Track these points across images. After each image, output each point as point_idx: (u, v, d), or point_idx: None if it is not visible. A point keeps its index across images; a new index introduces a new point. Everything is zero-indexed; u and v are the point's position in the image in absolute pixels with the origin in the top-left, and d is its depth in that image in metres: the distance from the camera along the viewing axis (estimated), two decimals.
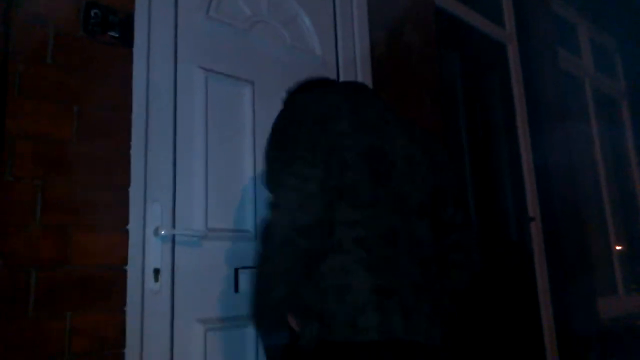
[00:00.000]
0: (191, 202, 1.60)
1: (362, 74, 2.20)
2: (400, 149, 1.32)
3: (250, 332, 1.66)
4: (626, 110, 5.00)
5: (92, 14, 1.44)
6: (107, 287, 1.37)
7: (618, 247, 4.40)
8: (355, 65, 2.21)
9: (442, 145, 1.51)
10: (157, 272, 1.47)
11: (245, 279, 1.67)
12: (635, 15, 4.33)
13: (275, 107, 1.86)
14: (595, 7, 4.35)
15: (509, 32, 3.53)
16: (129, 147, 1.46)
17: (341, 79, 2.13)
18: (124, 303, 1.39)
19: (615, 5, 4.25)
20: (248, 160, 1.77)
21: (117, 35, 1.49)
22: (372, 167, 1.25)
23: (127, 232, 1.42)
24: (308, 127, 1.25)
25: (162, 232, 1.48)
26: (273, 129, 1.33)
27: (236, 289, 1.65)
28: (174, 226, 1.54)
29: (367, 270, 1.18)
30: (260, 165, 1.78)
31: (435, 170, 1.39)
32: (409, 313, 1.20)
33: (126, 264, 1.41)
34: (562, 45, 4.04)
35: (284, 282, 1.18)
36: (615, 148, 4.78)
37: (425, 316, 1.22)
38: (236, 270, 1.66)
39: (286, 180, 1.19)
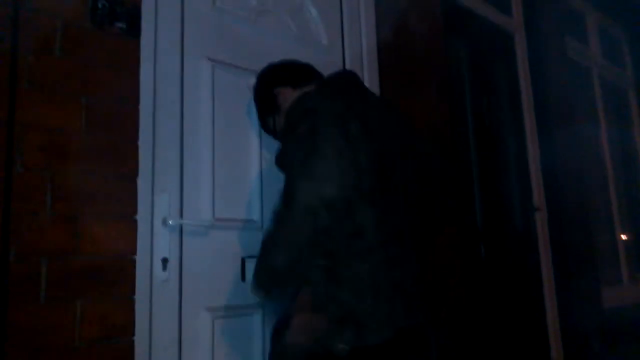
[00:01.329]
0: (198, 192, 1.62)
1: (369, 64, 2.20)
2: (400, 148, 1.40)
3: (257, 319, 1.69)
4: (633, 99, 4.96)
5: (100, 5, 1.45)
6: (116, 276, 1.39)
7: (623, 236, 4.40)
8: (361, 55, 2.21)
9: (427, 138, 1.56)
10: (165, 261, 1.49)
11: (251, 268, 1.68)
12: None
13: None
14: None
15: (516, 21, 3.50)
16: (136, 138, 1.48)
17: (347, 68, 2.13)
18: (132, 292, 1.41)
19: None
20: (255, 151, 1.78)
21: (124, 27, 1.49)
22: (381, 170, 1.31)
23: (135, 222, 1.44)
24: (326, 123, 1.26)
25: (170, 222, 1.50)
26: (292, 119, 1.35)
27: (243, 278, 1.67)
28: (181, 216, 1.56)
29: (388, 271, 1.26)
30: (267, 155, 1.79)
31: (429, 163, 1.48)
32: (410, 302, 1.29)
33: (135, 253, 1.43)
34: (570, 34, 4.01)
35: (292, 251, 1.18)
36: (622, 138, 4.76)
37: (421, 299, 1.32)
38: (243, 260, 1.68)
39: (319, 152, 1.20)
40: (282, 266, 1.20)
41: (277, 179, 1.81)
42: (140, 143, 1.48)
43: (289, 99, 1.49)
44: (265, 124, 1.63)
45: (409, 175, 1.40)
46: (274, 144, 1.82)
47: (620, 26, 4.87)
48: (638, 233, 4.65)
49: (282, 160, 1.36)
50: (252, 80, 1.67)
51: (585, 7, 4.44)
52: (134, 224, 1.44)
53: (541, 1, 3.59)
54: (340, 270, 1.22)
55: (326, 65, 2.04)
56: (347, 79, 1.51)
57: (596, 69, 4.47)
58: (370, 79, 2.17)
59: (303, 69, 1.60)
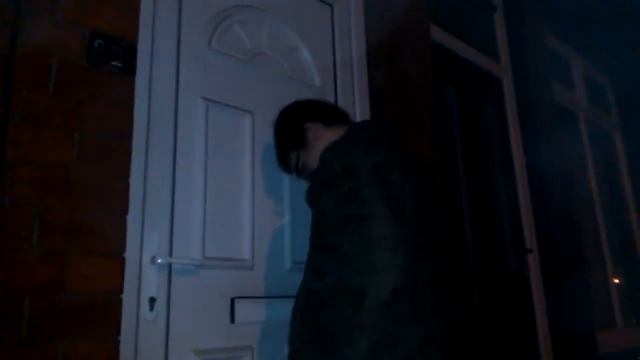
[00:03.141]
0: (189, 230, 1.60)
1: (361, 107, 2.23)
2: (429, 195, 1.38)
3: None
4: (619, 141, 5.07)
5: (96, 44, 1.47)
6: (102, 315, 1.35)
7: (616, 280, 4.38)
8: (353, 95, 2.24)
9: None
10: (152, 300, 1.46)
11: (241, 309, 1.65)
12: (627, 52, 4.43)
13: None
14: (589, 43, 4.46)
15: (504, 66, 3.60)
16: (128, 175, 1.47)
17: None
18: (118, 332, 1.37)
19: (608, 42, 4.35)
20: (247, 190, 1.78)
21: (120, 65, 1.51)
22: (419, 217, 1.29)
23: (123, 259, 1.41)
24: (366, 173, 1.26)
25: (159, 261, 1.47)
26: (329, 172, 1.32)
27: (232, 320, 1.63)
28: (171, 254, 1.53)
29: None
30: (259, 194, 1.78)
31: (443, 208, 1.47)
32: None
33: (122, 292, 1.39)
34: (557, 79, 4.12)
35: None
36: (611, 180, 4.82)
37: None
38: (232, 300, 1.64)
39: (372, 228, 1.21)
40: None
41: (269, 219, 1.81)
42: (132, 180, 1.47)
43: (319, 137, 1.49)
44: (286, 160, 1.59)
45: (443, 224, 1.39)
46: (268, 184, 1.83)
47: (604, 72, 5.03)
48: (630, 277, 4.65)
49: (312, 202, 1.34)
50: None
51: (571, 54, 4.59)
52: (122, 262, 1.41)
53: (528, 48, 3.70)
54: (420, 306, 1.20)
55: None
56: (379, 126, 1.52)
57: (582, 113, 4.58)
58: (361, 119, 2.20)
59: (333, 108, 1.62)
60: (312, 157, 1.47)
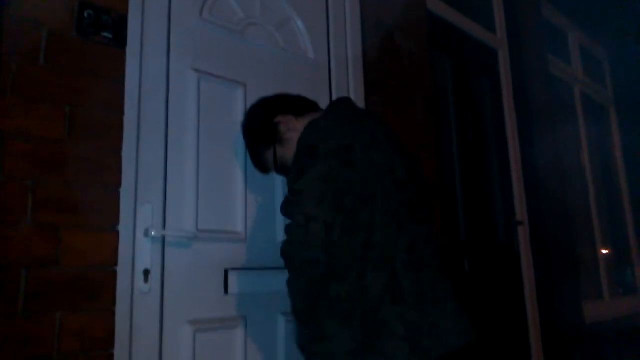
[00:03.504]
0: (182, 203, 1.61)
1: (354, 77, 2.22)
2: (410, 172, 1.40)
3: (239, 333, 1.67)
4: (614, 115, 5.07)
5: (86, 14, 1.44)
6: (97, 288, 1.37)
7: (604, 251, 4.46)
8: (347, 68, 2.23)
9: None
10: (147, 273, 1.48)
11: (234, 280, 1.68)
12: (624, 25, 4.39)
13: None
14: (586, 15, 4.41)
15: (500, 38, 3.57)
16: (120, 148, 1.46)
17: (333, 81, 2.14)
18: (113, 303, 1.39)
19: (605, 14, 4.31)
20: (239, 162, 1.78)
21: (110, 36, 1.49)
22: (403, 194, 1.33)
23: (117, 232, 1.43)
24: (357, 153, 1.28)
25: (153, 233, 1.49)
26: (312, 151, 1.29)
27: (226, 290, 1.66)
28: (164, 227, 1.54)
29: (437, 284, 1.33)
30: (251, 165, 1.79)
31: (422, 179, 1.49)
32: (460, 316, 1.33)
33: (116, 264, 1.41)
34: (553, 52, 4.09)
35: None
36: (602, 153, 4.85)
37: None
38: (226, 272, 1.66)
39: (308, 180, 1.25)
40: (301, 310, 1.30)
41: (262, 191, 1.82)
42: (124, 153, 1.47)
43: (292, 128, 1.48)
44: (262, 159, 1.59)
45: (416, 191, 1.40)
46: None
47: (601, 45, 4.99)
48: (618, 248, 4.72)
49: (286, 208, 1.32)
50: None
51: (568, 26, 4.54)
52: (115, 235, 1.42)
53: (524, 19, 3.66)
54: (403, 286, 1.24)
55: (313, 79, 2.07)
56: (349, 104, 1.50)
57: (577, 86, 4.57)
58: (356, 94, 2.19)
59: (301, 98, 1.60)
60: (289, 151, 1.45)
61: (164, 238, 1.54)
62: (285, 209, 1.29)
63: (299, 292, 1.28)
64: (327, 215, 1.20)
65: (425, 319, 1.22)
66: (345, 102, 1.51)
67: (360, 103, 2.19)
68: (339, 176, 1.23)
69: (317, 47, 2.14)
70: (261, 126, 1.56)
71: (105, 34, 1.48)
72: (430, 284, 1.28)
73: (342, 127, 1.32)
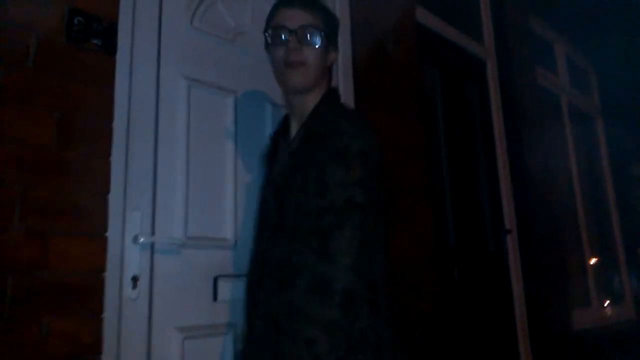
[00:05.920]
0: (171, 210, 1.61)
1: (344, 85, 2.24)
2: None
3: (228, 340, 1.67)
4: (600, 125, 5.14)
5: (76, 21, 1.45)
6: (85, 294, 1.36)
7: (592, 260, 4.50)
8: (337, 75, 2.24)
9: None
10: (135, 279, 1.47)
11: (224, 287, 1.67)
12: (609, 36, 4.47)
13: (257, 117, 1.90)
14: (572, 27, 4.49)
15: (488, 48, 3.62)
16: (110, 154, 1.46)
17: None
18: (101, 310, 1.38)
19: (591, 25, 4.38)
20: (229, 169, 1.78)
21: (100, 43, 1.49)
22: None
23: (106, 239, 1.42)
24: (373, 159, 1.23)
25: (142, 240, 1.48)
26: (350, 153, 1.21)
27: (215, 298, 1.65)
28: (153, 234, 1.54)
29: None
30: (241, 173, 1.79)
31: None
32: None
33: (104, 271, 1.40)
34: (540, 62, 4.16)
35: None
36: (590, 162, 4.91)
37: None
38: (215, 279, 1.66)
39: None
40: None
41: (251, 198, 1.82)
42: (113, 159, 1.47)
43: (327, 74, 1.40)
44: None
45: None
46: (251, 164, 1.83)
47: (587, 55, 5.07)
48: (606, 256, 4.77)
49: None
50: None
51: (554, 37, 4.62)
52: (104, 241, 1.42)
53: (512, 30, 3.72)
54: (379, 302, 1.17)
55: None
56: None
57: (564, 96, 4.63)
58: (345, 100, 2.20)
59: None
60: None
61: (153, 245, 1.54)
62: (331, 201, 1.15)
63: (329, 325, 1.07)
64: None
65: None
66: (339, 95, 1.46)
67: None
68: (373, 193, 1.19)
69: None
70: (334, 32, 1.42)
71: (95, 41, 1.49)
72: None
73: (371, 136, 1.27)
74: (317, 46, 1.33)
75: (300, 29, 1.31)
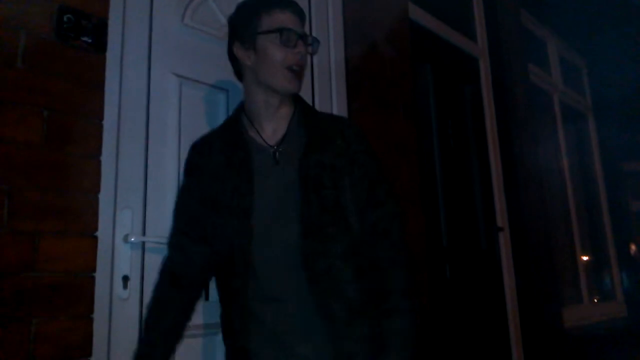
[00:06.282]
0: (162, 209, 1.59)
1: (337, 83, 2.23)
2: None
3: (219, 339, 1.66)
4: (592, 123, 5.17)
5: (65, 18, 1.43)
6: (75, 294, 1.35)
7: (584, 258, 4.53)
8: (330, 74, 2.24)
9: None
10: (126, 279, 1.46)
11: (215, 288, 1.66)
12: (602, 34, 4.49)
13: None
14: (565, 25, 4.50)
15: (481, 46, 3.62)
16: (100, 153, 1.45)
17: (316, 86, 2.15)
18: (91, 310, 1.37)
19: (584, 24, 4.40)
20: None
21: (90, 41, 1.48)
22: None
23: (96, 238, 1.41)
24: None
25: (132, 239, 1.47)
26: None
27: (206, 297, 1.65)
28: (144, 233, 1.53)
29: None
30: None
31: None
32: None
33: (94, 270, 1.39)
34: (533, 60, 4.17)
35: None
36: (581, 160, 4.93)
37: None
38: None
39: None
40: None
41: None
42: (103, 158, 1.46)
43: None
44: None
45: None
46: None
47: (580, 54, 5.09)
48: (597, 255, 4.80)
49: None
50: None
51: (547, 36, 4.63)
52: (94, 241, 1.41)
53: (505, 28, 3.72)
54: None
55: None
56: None
57: (557, 94, 4.65)
58: (338, 99, 2.20)
59: None
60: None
61: (143, 244, 1.53)
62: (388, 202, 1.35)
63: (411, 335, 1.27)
64: None
65: None
66: None
67: (343, 107, 2.20)
68: None
69: None
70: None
71: (85, 39, 1.47)
72: None
73: None
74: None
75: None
